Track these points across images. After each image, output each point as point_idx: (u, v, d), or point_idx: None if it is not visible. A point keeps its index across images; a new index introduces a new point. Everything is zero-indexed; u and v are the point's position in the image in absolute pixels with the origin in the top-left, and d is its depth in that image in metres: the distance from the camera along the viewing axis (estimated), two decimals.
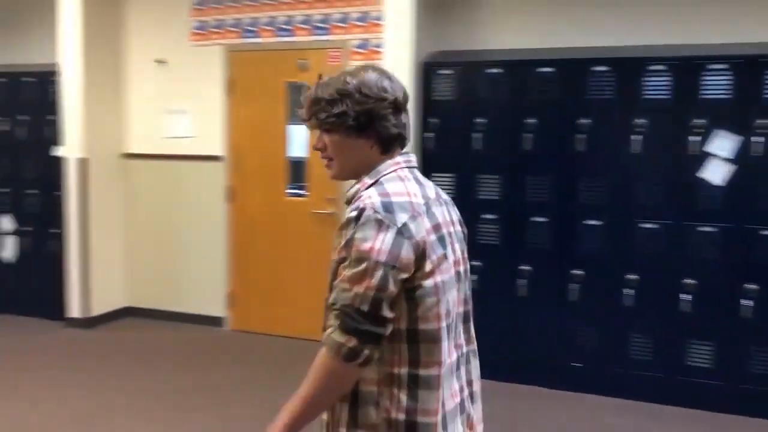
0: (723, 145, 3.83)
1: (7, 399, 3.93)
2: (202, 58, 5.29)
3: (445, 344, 1.41)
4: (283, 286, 5.20)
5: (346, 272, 1.35)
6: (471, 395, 1.56)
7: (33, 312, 5.54)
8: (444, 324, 1.41)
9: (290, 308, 5.17)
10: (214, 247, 5.37)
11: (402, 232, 1.34)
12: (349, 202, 1.47)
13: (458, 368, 1.50)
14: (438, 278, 1.39)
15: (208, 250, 5.40)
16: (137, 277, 5.68)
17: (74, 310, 5.34)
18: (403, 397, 1.38)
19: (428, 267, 1.37)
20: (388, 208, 1.36)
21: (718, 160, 3.84)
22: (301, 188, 5.14)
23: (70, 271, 5.32)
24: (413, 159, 1.53)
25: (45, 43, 5.53)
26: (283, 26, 5.06)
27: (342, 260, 1.37)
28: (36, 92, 5.44)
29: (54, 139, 5.32)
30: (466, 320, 1.56)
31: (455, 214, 1.57)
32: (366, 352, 1.33)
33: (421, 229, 1.37)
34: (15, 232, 5.59)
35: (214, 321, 5.39)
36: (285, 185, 5.18)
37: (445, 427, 1.42)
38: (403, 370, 1.39)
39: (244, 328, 5.32)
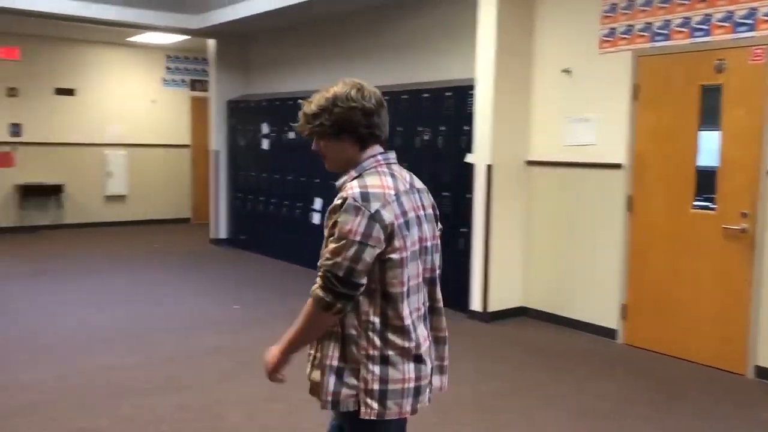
0: None
1: None
2: (608, 65, 5.23)
3: (406, 302, 1.86)
4: (681, 305, 4.84)
5: (331, 245, 1.81)
6: (437, 339, 2.02)
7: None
8: (405, 288, 1.86)
9: (688, 329, 4.80)
10: (610, 257, 5.28)
11: (374, 217, 1.78)
12: (338, 190, 1.88)
13: (425, 319, 1.96)
14: (403, 254, 1.83)
15: (603, 260, 5.33)
16: (533, 279, 5.90)
17: (476, 303, 5.80)
18: (377, 339, 1.84)
19: (396, 244, 1.81)
20: (365, 198, 1.79)
21: None
22: (709, 200, 4.71)
23: (474, 267, 5.80)
24: (392, 156, 1.96)
25: (464, 60, 6.12)
26: (699, 26, 4.71)
27: (330, 236, 1.83)
28: (454, 105, 6.06)
29: (467, 147, 5.86)
30: (432, 283, 1.99)
31: (427, 200, 2.00)
32: (338, 306, 1.80)
33: (390, 215, 1.81)
34: None
35: (606, 332, 5.30)
36: (691, 196, 4.81)
37: (410, 360, 1.88)
38: (376, 319, 1.84)
39: (637, 343, 5.11)
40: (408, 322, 1.86)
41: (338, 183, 1.92)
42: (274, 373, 2.05)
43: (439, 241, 2.02)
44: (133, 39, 10.27)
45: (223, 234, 9.58)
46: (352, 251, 1.76)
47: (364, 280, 1.79)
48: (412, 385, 1.88)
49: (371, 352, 1.84)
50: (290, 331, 1.93)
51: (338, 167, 1.95)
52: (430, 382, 1.96)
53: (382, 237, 1.78)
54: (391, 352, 1.85)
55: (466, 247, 5.88)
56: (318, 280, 1.83)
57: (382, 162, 1.91)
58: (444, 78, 6.46)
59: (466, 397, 4.05)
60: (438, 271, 2.02)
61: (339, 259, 1.77)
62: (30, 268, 7.64)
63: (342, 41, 7.90)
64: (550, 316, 5.73)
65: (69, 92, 10.66)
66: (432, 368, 1.97)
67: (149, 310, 5.98)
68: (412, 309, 1.89)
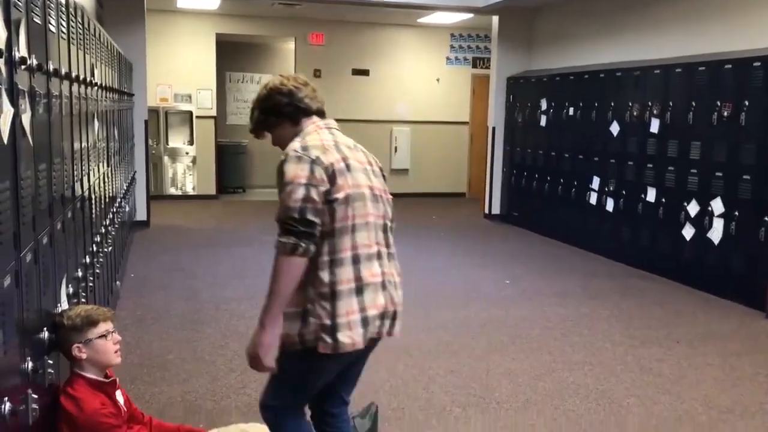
0: None
1: (698, 381, 4.10)
2: None
3: (350, 236, 2.04)
4: None
5: (281, 196, 2.00)
6: (392, 282, 2.17)
7: (734, 297, 5.59)
8: (351, 223, 2.03)
9: None
10: None
11: (314, 161, 2.02)
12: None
13: (379, 258, 2.13)
14: (348, 191, 2.04)
15: None
16: None
17: None
18: (324, 275, 2.02)
19: (339, 182, 2.03)
20: (304, 149, 2.06)
21: None
22: None
23: None
24: (332, 122, 2.25)
25: None
26: None
27: (280, 191, 2.01)
28: (763, 77, 5.35)
29: None
30: (385, 230, 2.18)
31: (372, 159, 2.27)
32: (302, 245, 1.96)
33: (330, 158, 2.05)
34: (723, 215, 5.71)
35: None
36: None
37: (360, 293, 2.05)
38: (325, 258, 2.02)
39: None
40: (349, 254, 2.03)
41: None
42: (263, 358, 2.03)
43: (390, 197, 2.25)
44: (422, 20, 10.78)
45: (496, 209, 9.71)
46: (300, 193, 1.97)
47: (318, 218, 1.98)
48: (357, 317, 2.03)
49: (321, 289, 2.02)
50: (265, 299, 2.03)
51: (284, 145, 2.18)
52: (384, 316, 2.12)
53: (325, 177, 2.01)
54: (339, 288, 2.02)
55: (764, 240, 5.22)
56: (277, 233, 2.00)
57: (322, 126, 2.19)
58: (749, 47, 5.74)
59: (751, 407, 3.63)
60: (390, 222, 2.21)
61: (290, 204, 1.97)
62: None
63: (632, 11, 7.43)
64: None
65: (364, 73, 11.59)
66: (387, 306, 2.13)
67: (426, 278, 6.31)
68: (359, 244, 2.06)
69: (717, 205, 5.77)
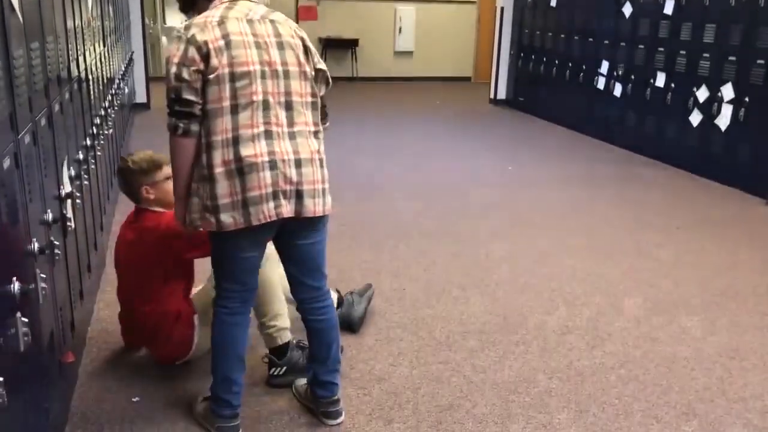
0: None
1: (695, 265, 4.17)
2: None
3: (233, 117, 1.99)
4: None
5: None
6: (288, 160, 2.05)
7: (737, 183, 5.59)
8: (227, 104, 1.99)
9: None
10: None
11: (189, 40, 1.98)
12: None
13: (268, 138, 2.03)
14: (222, 71, 1.98)
15: None
16: None
17: None
18: (203, 158, 2.03)
19: (213, 62, 1.97)
20: (186, 27, 2.02)
21: None
22: None
23: None
24: None
25: None
26: None
27: None
28: None
29: None
30: (288, 107, 2.07)
31: (286, 30, 2.11)
32: (181, 125, 2.00)
33: (206, 36, 1.99)
34: (733, 101, 5.61)
35: None
36: None
37: (240, 174, 2.00)
38: (203, 140, 2.02)
39: None
40: (227, 136, 1.99)
41: None
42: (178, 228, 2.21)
43: (304, 69, 2.10)
44: None
45: (502, 94, 9.55)
46: (173, 73, 1.97)
47: (194, 97, 1.97)
48: (239, 197, 2.00)
49: (202, 172, 2.03)
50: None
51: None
52: (277, 195, 2.03)
53: (197, 57, 1.97)
54: (216, 170, 2.00)
55: None
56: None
57: (225, 1, 2.10)
58: None
59: (744, 289, 3.72)
60: (298, 97, 2.08)
61: (169, 84, 1.99)
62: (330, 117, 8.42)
63: None
64: None
65: None
66: (279, 185, 2.03)
67: (429, 164, 6.30)
68: (240, 125, 2.00)
69: (727, 91, 5.65)
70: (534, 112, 8.72)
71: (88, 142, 3.17)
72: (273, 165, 2.02)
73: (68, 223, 2.43)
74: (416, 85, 11.34)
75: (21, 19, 1.93)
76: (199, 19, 2.04)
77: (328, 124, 2.27)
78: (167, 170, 2.43)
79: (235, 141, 2.00)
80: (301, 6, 11.01)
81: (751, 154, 5.47)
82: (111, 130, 4.38)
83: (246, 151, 2.00)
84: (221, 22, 2.02)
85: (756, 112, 5.39)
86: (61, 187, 2.38)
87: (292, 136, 2.07)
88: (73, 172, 2.61)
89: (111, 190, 4.34)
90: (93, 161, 3.26)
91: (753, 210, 5.15)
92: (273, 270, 2.50)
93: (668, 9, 6.26)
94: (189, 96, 1.97)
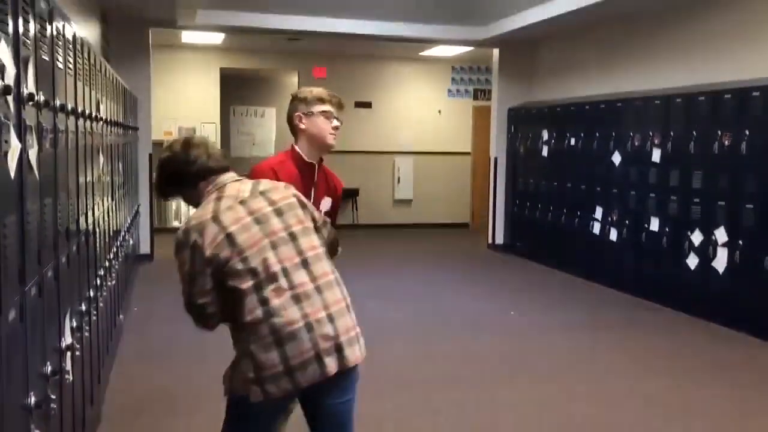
0: None
1: (706, 414, 4.06)
2: None
3: (255, 295, 2.04)
4: None
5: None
6: (329, 316, 2.09)
7: (740, 326, 5.55)
8: (251, 283, 2.05)
9: None
10: None
11: (193, 247, 2.08)
12: None
13: (300, 301, 2.06)
14: (237, 258, 2.06)
15: None
16: None
17: None
18: (241, 335, 2.08)
19: (223, 260, 2.06)
20: (185, 233, 2.10)
21: None
22: None
23: None
24: (223, 178, 2.22)
25: None
26: None
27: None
28: (762, 106, 5.38)
29: None
30: (306, 265, 2.11)
31: (280, 195, 2.20)
32: (200, 325, 2.19)
33: (209, 236, 2.07)
34: (727, 244, 5.70)
35: None
36: None
37: (282, 344, 2.02)
38: (238, 319, 2.06)
39: None
40: (259, 314, 2.02)
41: None
42: None
43: (307, 225, 2.18)
44: (423, 53, 10.91)
45: (500, 240, 9.71)
46: (186, 280, 2.11)
47: (205, 299, 2.10)
48: (280, 369, 2.01)
49: (245, 347, 2.06)
50: None
51: (195, 205, 2.26)
52: (318, 357, 2.03)
53: (205, 261, 2.06)
54: (252, 346, 2.03)
55: None
56: None
57: (212, 190, 2.19)
58: (749, 77, 5.79)
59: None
60: (312, 252, 2.13)
61: (183, 290, 2.13)
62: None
63: (631, 42, 7.52)
64: None
65: (367, 105, 11.70)
66: (320, 345, 2.04)
67: (431, 309, 6.29)
68: (267, 297, 2.03)
69: (720, 234, 5.76)
70: (532, 257, 8.82)
71: (91, 294, 3.20)
72: (309, 328, 2.05)
73: (66, 376, 2.39)
74: (415, 231, 11.55)
75: (37, 176, 2.02)
76: (195, 219, 2.11)
77: (340, 250, 2.42)
78: (328, 107, 2.64)
79: (267, 315, 2.03)
80: None
81: (752, 296, 5.47)
82: (114, 282, 4.42)
83: (282, 316, 2.03)
84: (215, 217, 2.10)
85: (751, 254, 5.47)
86: (62, 338, 2.38)
87: (328, 286, 2.14)
88: (74, 324, 2.61)
89: (110, 342, 4.30)
90: (95, 312, 3.27)
91: (760, 353, 5.08)
92: None
93: (656, 157, 6.53)
94: (200, 299, 2.11)
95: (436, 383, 4.30)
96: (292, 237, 2.13)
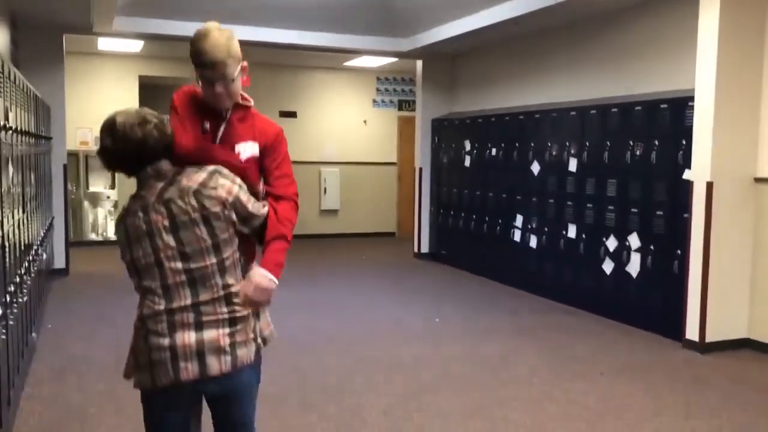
0: None
1: (621, 412, 4.21)
2: None
3: (146, 300, 2.15)
4: None
5: None
6: (199, 323, 2.12)
7: (652, 327, 5.80)
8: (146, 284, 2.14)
9: None
10: None
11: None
12: None
13: (174, 314, 2.12)
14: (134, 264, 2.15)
15: None
16: (761, 310, 5.33)
17: (692, 332, 5.36)
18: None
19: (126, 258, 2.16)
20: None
21: None
22: None
23: (690, 293, 5.37)
24: (146, 172, 2.12)
25: (679, 71, 5.74)
26: None
27: None
28: (670, 118, 5.68)
29: (685, 163, 5.46)
30: (192, 284, 2.11)
31: (180, 207, 2.08)
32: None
33: (119, 235, 2.18)
34: (640, 249, 5.96)
35: None
36: None
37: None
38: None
39: None
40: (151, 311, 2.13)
41: None
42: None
43: (205, 244, 2.08)
44: (348, 63, 10.95)
45: (425, 248, 9.82)
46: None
47: (134, 280, 2.18)
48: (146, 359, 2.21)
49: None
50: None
51: None
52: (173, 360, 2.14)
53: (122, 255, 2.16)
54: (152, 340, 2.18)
55: (681, 272, 5.47)
56: None
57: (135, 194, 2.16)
58: (657, 90, 6.10)
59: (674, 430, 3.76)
60: (192, 273, 2.09)
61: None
62: None
63: (548, 55, 7.77)
64: None
65: (292, 114, 11.63)
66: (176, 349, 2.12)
67: (357, 318, 6.29)
68: (161, 303, 2.10)
69: (634, 240, 6.02)
70: (457, 264, 8.97)
71: (0, 311, 3.04)
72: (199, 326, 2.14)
73: None
74: (343, 241, 11.54)
75: None
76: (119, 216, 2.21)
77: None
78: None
79: (150, 324, 2.20)
80: None
81: (663, 299, 5.74)
82: (26, 298, 4.22)
83: (161, 326, 2.18)
84: (124, 220, 2.17)
85: (661, 259, 5.73)
86: None
87: (225, 299, 2.22)
88: None
89: (21, 361, 4.10)
90: (4, 331, 3.11)
91: (671, 353, 5.32)
92: None
93: (572, 167, 6.77)
94: (132, 278, 2.24)
95: (363, 392, 4.30)
96: (181, 257, 2.13)
